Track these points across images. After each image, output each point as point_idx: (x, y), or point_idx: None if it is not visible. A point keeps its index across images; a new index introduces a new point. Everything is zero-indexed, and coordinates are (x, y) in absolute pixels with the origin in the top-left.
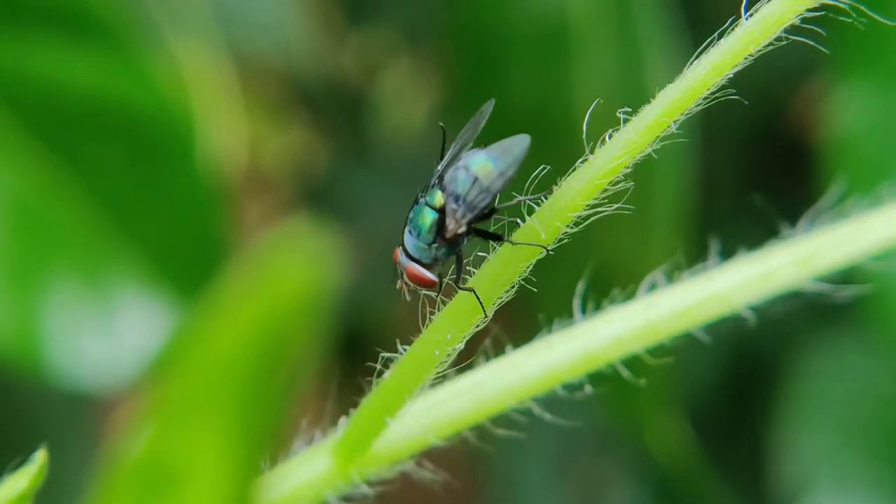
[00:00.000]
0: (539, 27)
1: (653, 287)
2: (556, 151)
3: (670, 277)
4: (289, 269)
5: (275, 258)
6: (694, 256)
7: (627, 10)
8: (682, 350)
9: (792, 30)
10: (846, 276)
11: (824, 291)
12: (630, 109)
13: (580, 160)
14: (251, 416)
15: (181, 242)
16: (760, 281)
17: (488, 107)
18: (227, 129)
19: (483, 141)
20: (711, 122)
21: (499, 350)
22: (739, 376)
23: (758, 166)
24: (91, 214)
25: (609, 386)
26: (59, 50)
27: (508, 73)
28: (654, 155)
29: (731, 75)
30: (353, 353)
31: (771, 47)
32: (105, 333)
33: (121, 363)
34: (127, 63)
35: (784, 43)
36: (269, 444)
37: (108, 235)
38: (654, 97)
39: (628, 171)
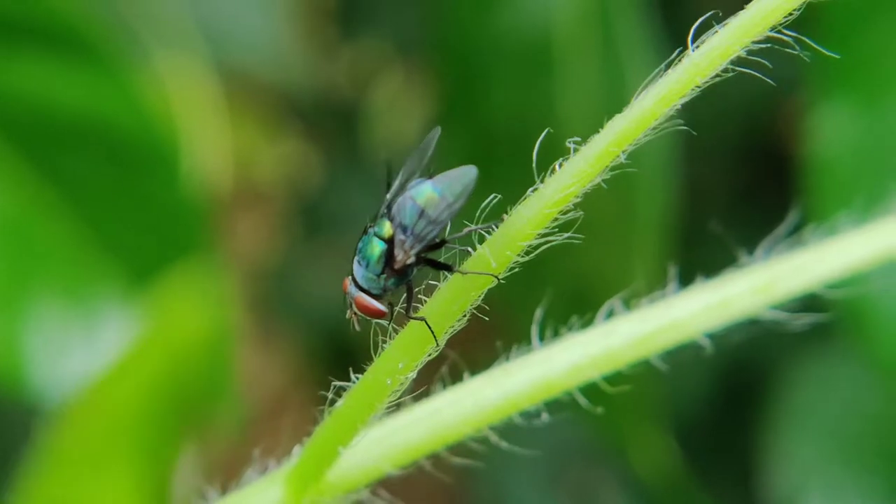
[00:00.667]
0: (523, 42)
1: (611, 314)
2: (539, 166)
3: (628, 304)
4: (181, 318)
5: (168, 308)
6: (681, 271)
7: (610, 25)
8: (669, 362)
9: (779, 42)
10: (806, 303)
11: (781, 320)
12: (580, 139)
13: (530, 189)
14: (152, 461)
15: (166, 257)
16: (718, 309)
17: (434, 134)
18: (212, 143)
19: (449, 164)
20: (699, 136)
21: (456, 377)
22: (729, 388)
23: (747, 178)
24: (75, 230)
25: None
26: (44, 68)
27: (493, 86)
28: (635, 169)
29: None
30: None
31: (718, 79)
32: (89, 348)
33: None
34: (111, 81)
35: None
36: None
37: (92, 251)
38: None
39: (578, 200)
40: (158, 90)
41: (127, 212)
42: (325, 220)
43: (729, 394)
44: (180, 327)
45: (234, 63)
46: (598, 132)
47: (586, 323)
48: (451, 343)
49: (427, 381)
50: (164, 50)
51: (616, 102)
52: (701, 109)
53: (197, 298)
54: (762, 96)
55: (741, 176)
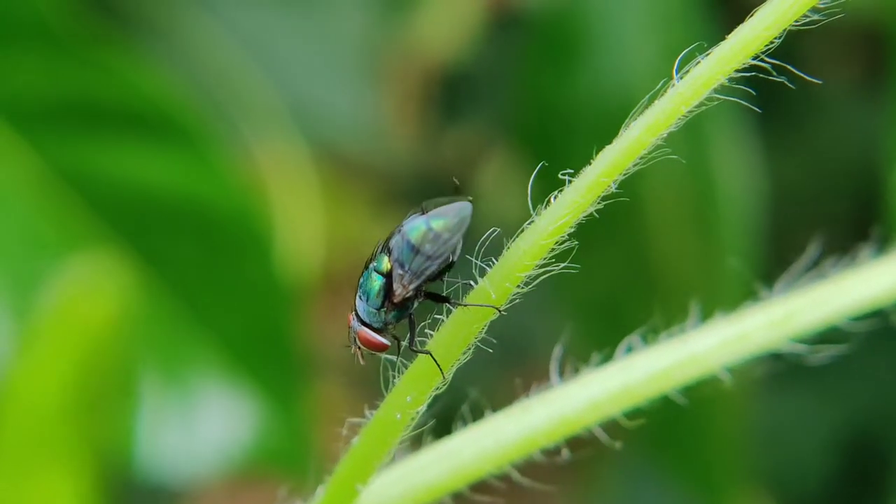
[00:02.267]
0: (603, 109)
1: (629, 349)
2: (622, 233)
3: (646, 340)
4: (86, 307)
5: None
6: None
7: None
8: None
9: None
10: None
11: (800, 353)
12: (572, 171)
13: (527, 223)
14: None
15: (258, 337)
16: (736, 342)
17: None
18: (306, 224)
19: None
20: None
21: (477, 415)
22: (851, 468)
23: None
24: (170, 309)
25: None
26: (139, 152)
27: (574, 156)
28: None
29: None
30: None
31: (704, 107)
32: (186, 427)
33: (201, 456)
34: (204, 163)
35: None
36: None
37: (188, 330)
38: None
39: (572, 230)
40: (251, 173)
41: (221, 292)
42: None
43: (850, 474)
44: (89, 316)
45: (332, 146)
46: (682, 197)
47: (606, 358)
48: (472, 381)
49: (448, 421)
50: (258, 133)
51: (698, 165)
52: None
53: (103, 287)
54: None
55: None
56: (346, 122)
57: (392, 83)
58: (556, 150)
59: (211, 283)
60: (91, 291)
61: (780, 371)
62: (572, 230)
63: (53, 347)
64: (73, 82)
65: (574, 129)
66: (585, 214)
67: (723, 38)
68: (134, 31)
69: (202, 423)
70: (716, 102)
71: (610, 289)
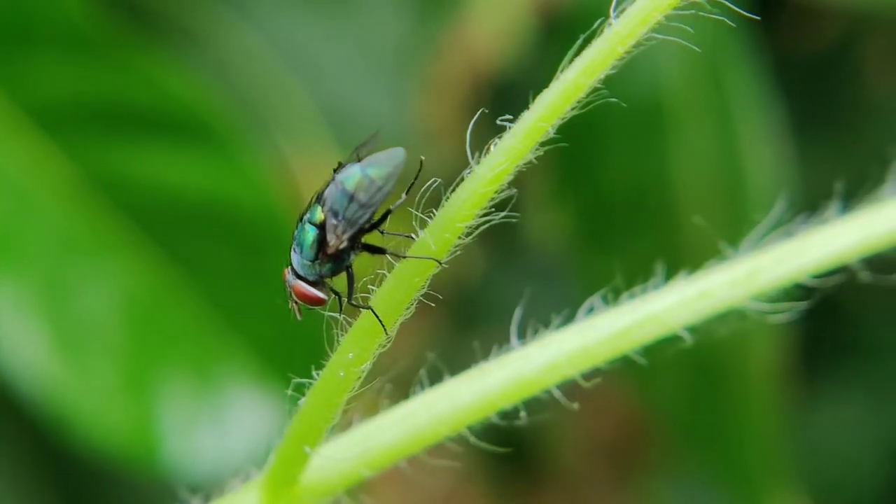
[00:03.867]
0: (634, 107)
1: (591, 311)
2: (656, 228)
3: (607, 300)
4: None
5: None
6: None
7: (720, 84)
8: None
9: None
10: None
11: (762, 310)
12: (511, 117)
13: (466, 170)
14: None
15: (287, 337)
16: (696, 301)
17: (375, 136)
18: None
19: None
20: None
21: (435, 379)
22: None
23: None
24: (201, 312)
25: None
26: (172, 155)
27: (606, 153)
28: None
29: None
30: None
31: (641, 47)
32: (217, 427)
33: (232, 455)
34: (234, 167)
35: None
36: None
37: (218, 332)
38: (750, 169)
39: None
40: (285, 176)
41: (250, 293)
42: (483, 310)
43: None
44: None
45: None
46: (716, 193)
47: (566, 320)
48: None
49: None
50: (293, 138)
51: (728, 161)
52: None
53: None
54: None
55: None
56: (385, 129)
57: (437, 90)
58: (588, 150)
59: (241, 286)
60: None
61: (834, 380)
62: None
63: None
64: (106, 87)
65: (605, 127)
66: (524, 161)
67: None
68: (170, 39)
69: (233, 423)
70: (653, 42)
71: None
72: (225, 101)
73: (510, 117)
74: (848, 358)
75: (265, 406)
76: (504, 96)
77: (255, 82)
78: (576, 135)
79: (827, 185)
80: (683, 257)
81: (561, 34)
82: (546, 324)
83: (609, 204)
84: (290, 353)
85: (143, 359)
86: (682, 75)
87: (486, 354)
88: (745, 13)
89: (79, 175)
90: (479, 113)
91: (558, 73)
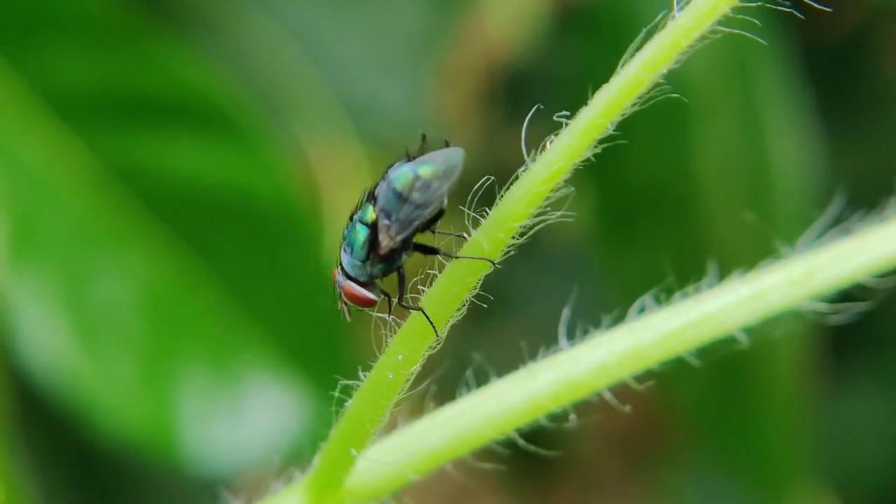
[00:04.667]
0: (659, 98)
1: (642, 310)
2: (680, 219)
3: (658, 300)
4: None
5: None
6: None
7: (747, 78)
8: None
9: None
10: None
11: (820, 311)
12: (568, 113)
13: (521, 169)
14: None
15: (306, 328)
16: (752, 301)
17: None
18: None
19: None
20: None
21: (482, 380)
22: None
23: None
24: (220, 302)
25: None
26: (190, 145)
27: (631, 145)
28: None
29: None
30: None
31: (706, 40)
32: (235, 418)
33: (251, 447)
34: (253, 157)
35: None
36: None
37: (237, 323)
38: (775, 162)
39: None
40: (304, 166)
41: (269, 283)
42: (500, 304)
43: None
44: None
45: (387, 142)
46: (743, 187)
47: (617, 320)
48: (475, 347)
49: (453, 387)
50: (311, 129)
51: (755, 152)
52: None
53: None
54: None
55: None
56: (402, 118)
57: (453, 80)
58: (616, 148)
59: (260, 276)
60: None
61: (853, 373)
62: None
63: None
64: (124, 77)
65: (635, 124)
66: (581, 158)
67: None
68: (188, 29)
69: (251, 414)
70: (719, 35)
71: (664, 277)
72: (242, 91)
73: (567, 113)
74: (866, 351)
75: (283, 397)
76: (519, 86)
77: (273, 72)
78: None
79: (851, 176)
80: (709, 251)
81: (575, 24)
82: (571, 318)
83: (635, 197)
84: (308, 344)
85: (162, 350)
86: (708, 66)
87: (509, 349)
88: (780, 7)
89: (98, 166)
90: (534, 109)
91: (618, 67)
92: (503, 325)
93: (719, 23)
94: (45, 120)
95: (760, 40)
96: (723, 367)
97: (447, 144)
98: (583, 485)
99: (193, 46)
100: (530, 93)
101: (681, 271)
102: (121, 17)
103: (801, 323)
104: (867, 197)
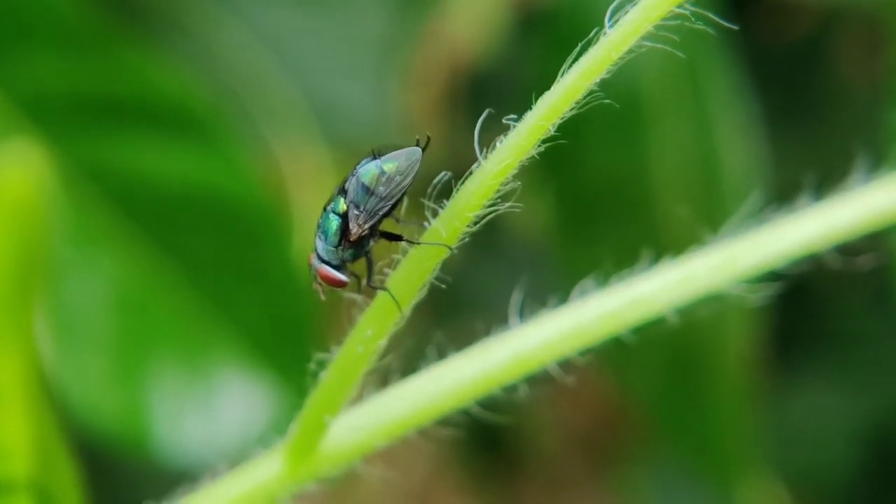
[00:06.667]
0: (614, 101)
1: (584, 293)
2: (635, 218)
3: (601, 283)
4: (16, 189)
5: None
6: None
7: (696, 80)
8: (811, 428)
9: None
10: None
11: (742, 293)
12: (515, 116)
13: (475, 164)
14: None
15: (276, 325)
16: (681, 284)
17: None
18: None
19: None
20: None
21: (443, 356)
22: (878, 463)
23: None
24: (190, 301)
25: (691, 445)
26: (160, 147)
27: (589, 146)
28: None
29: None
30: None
31: (632, 54)
32: (206, 414)
33: (222, 439)
34: (222, 158)
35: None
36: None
37: (207, 320)
38: (725, 161)
39: (515, 172)
40: (271, 168)
41: (239, 281)
42: (462, 303)
43: (876, 465)
44: (21, 198)
45: (353, 144)
46: (693, 185)
47: (561, 301)
48: (438, 324)
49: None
50: (279, 131)
51: (707, 154)
52: None
53: (28, 171)
54: None
55: None
56: (368, 121)
57: (417, 83)
58: (574, 147)
59: (229, 274)
60: (18, 175)
61: (808, 369)
62: (515, 171)
63: None
64: (93, 79)
65: (591, 125)
66: (527, 156)
67: None
68: (157, 31)
69: (222, 409)
70: (643, 49)
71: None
72: (212, 93)
73: (514, 116)
74: (822, 346)
75: (254, 392)
76: (482, 88)
77: (241, 75)
78: (559, 128)
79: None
80: (663, 246)
81: (537, 28)
82: (532, 310)
83: (591, 195)
84: (279, 341)
85: (134, 346)
86: (660, 71)
87: (468, 334)
88: (722, 21)
89: (67, 166)
90: (486, 113)
91: (559, 76)
92: (465, 318)
93: (671, 29)
94: (14, 121)
95: (711, 45)
96: (675, 364)
97: (418, 143)
98: (546, 484)
99: (163, 49)
100: (492, 95)
101: (633, 265)
102: (91, 20)
103: (750, 320)
104: (817, 191)
